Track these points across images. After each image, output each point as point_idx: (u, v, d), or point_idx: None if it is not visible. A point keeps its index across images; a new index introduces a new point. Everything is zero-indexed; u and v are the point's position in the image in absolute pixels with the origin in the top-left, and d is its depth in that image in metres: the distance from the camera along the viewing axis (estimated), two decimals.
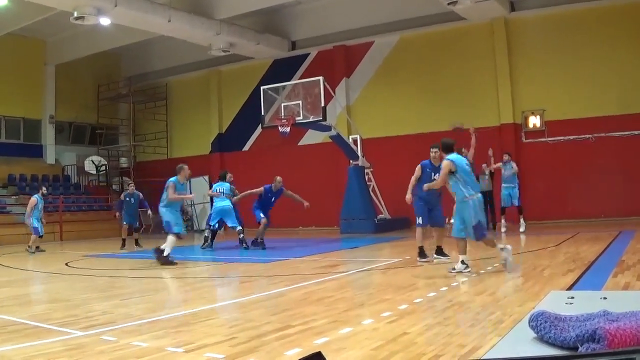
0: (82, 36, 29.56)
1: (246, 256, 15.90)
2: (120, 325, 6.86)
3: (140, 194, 21.23)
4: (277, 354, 5.38)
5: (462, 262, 10.10)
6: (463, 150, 18.82)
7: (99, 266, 15.23)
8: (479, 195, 10.31)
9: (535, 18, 24.48)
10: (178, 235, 14.44)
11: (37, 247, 20.21)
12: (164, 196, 14.77)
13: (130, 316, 7.52)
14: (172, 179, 14.68)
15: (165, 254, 13.98)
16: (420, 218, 12.34)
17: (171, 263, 13.91)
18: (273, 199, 17.98)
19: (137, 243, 20.75)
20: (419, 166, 12.44)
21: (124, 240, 20.68)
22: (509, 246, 10.13)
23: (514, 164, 19.70)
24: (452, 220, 11.66)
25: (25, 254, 19.57)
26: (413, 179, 12.36)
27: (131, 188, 21.29)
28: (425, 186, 11.27)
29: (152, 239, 21.88)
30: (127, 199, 20.89)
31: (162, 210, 14.68)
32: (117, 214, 21.66)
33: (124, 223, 20.91)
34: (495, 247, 10.22)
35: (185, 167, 15.08)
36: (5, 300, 9.39)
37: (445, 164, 10.30)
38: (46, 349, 5.84)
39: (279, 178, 17.95)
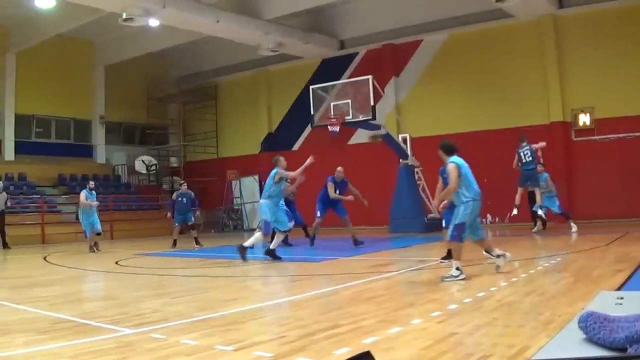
0: (131, 37, 29.90)
1: (296, 255, 15.85)
2: (170, 323, 6.87)
3: (192, 193, 21.27)
4: (326, 353, 5.32)
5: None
6: (524, 141, 18.67)
7: (149, 265, 15.34)
8: (478, 200, 9.92)
9: (584, 14, 24.01)
10: (285, 231, 14.73)
11: (95, 246, 20.19)
12: (267, 187, 14.63)
13: (180, 314, 7.52)
14: (275, 170, 14.46)
15: (246, 244, 14.13)
16: (444, 221, 12.33)
17: (277, 258, 14.09)
18: (337, 190, 17.80)
19: (197, 242, 20.59)
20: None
21: (175, 240, 20.66)
22: (463, 274, 9.48)
23: (547, 177, 19.45)
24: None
25: (84, 254, 19.41)
26: (438, 186, 12.33)
27: (183, 187, 21.25)
28: (436, 201, 11.12)
29: (202, 237, 21.93)
30: (180, 198, 20.85)
31: (263, 204, 14.52)
32: (168, 213, 21.71)
33: (176, 224, 21.01)
34: (455, 261, 9.66)
35: (282, 158, 14.84)
36: (56, 298, 9.48)
37: (451, 167, 9.90)
38: (96, 346, 5.86)
39: (340, 168, 17.82)
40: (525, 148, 18.50)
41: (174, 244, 20.47)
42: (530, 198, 20.40)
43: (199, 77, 35.03)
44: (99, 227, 20.33)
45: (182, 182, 22.56)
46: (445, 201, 11.03)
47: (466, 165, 10.07)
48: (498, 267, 9.98)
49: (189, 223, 21.10)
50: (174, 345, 5.81)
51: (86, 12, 24.63)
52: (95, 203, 20.19)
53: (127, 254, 18.47)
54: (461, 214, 9.75)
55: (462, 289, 8.64)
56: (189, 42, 29.87)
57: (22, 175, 29.27)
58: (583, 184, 23.58)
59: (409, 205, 22.71)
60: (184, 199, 20.82)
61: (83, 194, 20.09)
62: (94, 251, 19.82)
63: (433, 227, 21.84)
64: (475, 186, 10.00)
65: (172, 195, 22.40)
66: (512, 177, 20.28)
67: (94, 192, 20.45)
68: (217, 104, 35.12)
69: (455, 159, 10.03)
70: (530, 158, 18.36)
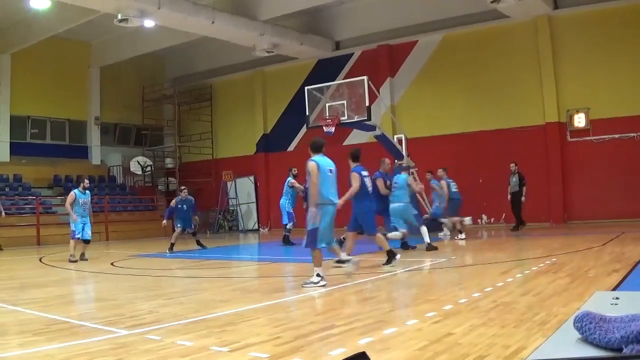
0: (126, 38, 29.88)
1: (292, 256, 15.85)
2: (165, 325, 6.88)
3: (193, 199, 20.74)
4: (321, 354, 5.34)
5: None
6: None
7: (144, 266, 15.34)
8: (331, 206, 9.77)
9: (579, 15, 24.02)
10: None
11: (74, 255, 16.91)
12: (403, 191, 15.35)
13: (175, 315, 7.53)
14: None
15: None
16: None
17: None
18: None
19: (199, 244, 20.37)
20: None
21: (172, 244, 19.58)
22: (324, 281, 9.52)
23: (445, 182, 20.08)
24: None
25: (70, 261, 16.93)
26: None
27: (184, 193, 20.58)
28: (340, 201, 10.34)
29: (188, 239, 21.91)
30: (180, 205, 20.25)
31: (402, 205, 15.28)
32: (165, 221, 20.87)
33: (178, 226, 20.02)
34: (316, 267, 9.64)
35: (387, 160, 15.46)
36: (51, 299, 9.47)
37: (311, 165, 9.61)
38: (91, 347, 5.86)
39: (387, 160, 16.31)
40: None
41: (171, 247, 19.38)
42: (513, 201, 20.74)
43: (194, 78, 35.00)
44: (89, 234, 17.57)
45: (183, 187, 21.49)
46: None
47: (328, 168, 9.83)
48: (348, 273, 9.87)
49: (189, 231, 20.63)
50: (169, 346, 5.82)
51: (81, 13, 24.59)
52: (87, 200, 17.68)
53: (122, 255, 18.44)
54: (309, 222, 9.63)
55: (458, 290, 8.65)
56: (184, 43, 29.88)
57: (17, 176, 29.20)
58: (578, 184, 23.60)
59: None
60: (184, 206, 20.24)
61: (72, 195, 17.48)
62: (76, 261, 16.69)
63: (429, 228, 21.84)
64: (328, 191, 9.77)
65: (170, 199, 22.04)
66: (506, 178, 20.48)
67: (87, 192, 17.82)
68: (212, 105, 35.05)
69: (319, 158, 9.79)
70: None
